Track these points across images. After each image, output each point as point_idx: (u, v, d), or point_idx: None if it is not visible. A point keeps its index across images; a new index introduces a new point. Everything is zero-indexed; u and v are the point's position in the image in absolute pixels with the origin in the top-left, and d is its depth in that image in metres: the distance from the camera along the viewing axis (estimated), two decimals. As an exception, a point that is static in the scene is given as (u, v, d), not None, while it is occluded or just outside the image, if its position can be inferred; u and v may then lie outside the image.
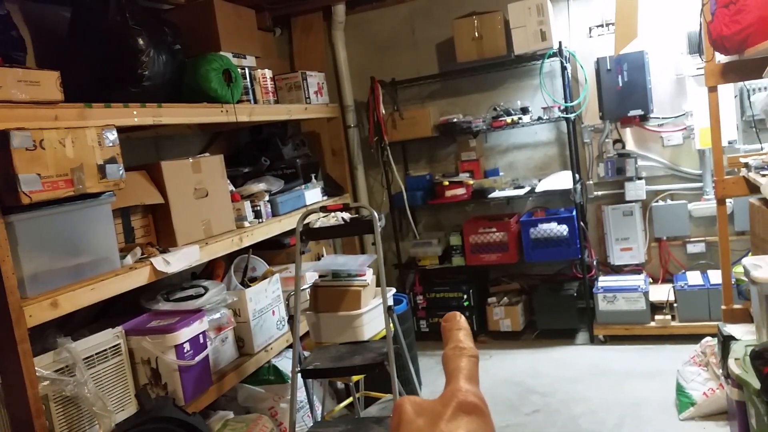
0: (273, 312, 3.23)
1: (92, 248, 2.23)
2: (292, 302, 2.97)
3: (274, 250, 3.77)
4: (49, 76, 2.10)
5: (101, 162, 2.18)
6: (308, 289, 2.78)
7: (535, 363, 3.96)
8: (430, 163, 4.83)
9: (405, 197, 4.44)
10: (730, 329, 2.68)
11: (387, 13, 4.80)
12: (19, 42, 2.25)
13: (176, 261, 2.55)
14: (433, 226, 4.86)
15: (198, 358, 2.58)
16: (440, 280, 4.51)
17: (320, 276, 2.99)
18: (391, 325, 2.54)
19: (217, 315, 2.83)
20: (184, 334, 2.52)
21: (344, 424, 2.51)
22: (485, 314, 4.40)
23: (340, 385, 3.65)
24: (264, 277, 3.24)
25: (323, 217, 2.73)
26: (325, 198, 4.05)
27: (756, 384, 2.13)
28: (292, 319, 2.64)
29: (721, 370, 2.86)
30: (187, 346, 2.53)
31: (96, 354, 2.30)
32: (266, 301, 3.17)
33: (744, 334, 2.59)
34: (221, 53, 3.21)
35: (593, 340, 4.11)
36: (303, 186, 3.86)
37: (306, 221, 2.66)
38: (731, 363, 2.41)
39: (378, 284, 3.06)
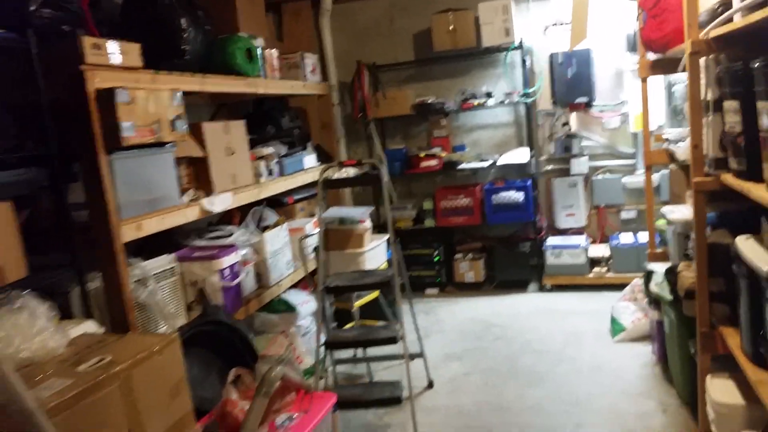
0: (284, 254, 3.83)
1: (161, 187, 2.78)
2: (305, 244, 3.60)
3: (274, 207, 4.34)
4: (134, 47, 2.65)
5: (172, 118, 2.74)
6: (320, 232, 3.38)
7: (494, 307, 4.70)
8: (405, 138, 5.49)
9: (386, 167, 5.07)
10: (652, 266, 3.44)
11: (369, 4, 5.41)
12: (105, 20, 2.76)
13: (218, 203, 3.12)
14: (406, 194, 5.52)
15: (235, 282, 3.17)
16: (414, 239, 5.19)
17: (326, 223, 3.61)
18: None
19: (244, 251, 3.42)
20: (226, 261, 3.11)
21: (357, 330, 3.15)
22: (452, 268, 5.12)
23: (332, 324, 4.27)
24: (276, 224, 3.83)
25: (338, 171, 3.35)
26: (319, 164, 4.64)
27: (668, 296, 2.90)
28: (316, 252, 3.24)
29: (646, 300, 3.64)
30: (227, 271, 3.12)
31: (159, 272, 2.86)
32: (279, 244, 3.76)
33: (662, 269, 3.36)
34: (243, 34, 3.76)
35: (542, 288, 4.89)
36: (301, 152, 4.45)
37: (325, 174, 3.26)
38: (652, 286, 3.18)
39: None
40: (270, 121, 4.48)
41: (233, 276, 3.17)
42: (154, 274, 2.80)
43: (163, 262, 2.92)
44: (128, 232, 2.55)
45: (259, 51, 4.00)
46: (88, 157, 2.42)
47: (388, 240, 3.90)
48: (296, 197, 4.51)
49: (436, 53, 5.00)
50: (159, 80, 2.81)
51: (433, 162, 5.04)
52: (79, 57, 2.36)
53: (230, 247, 3.22)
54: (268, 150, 3.99)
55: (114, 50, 2.51)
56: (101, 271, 2.52)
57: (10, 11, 2.30)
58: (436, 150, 5.11)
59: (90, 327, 2.36)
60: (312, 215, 4.56)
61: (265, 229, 3.80)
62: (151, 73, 2.77)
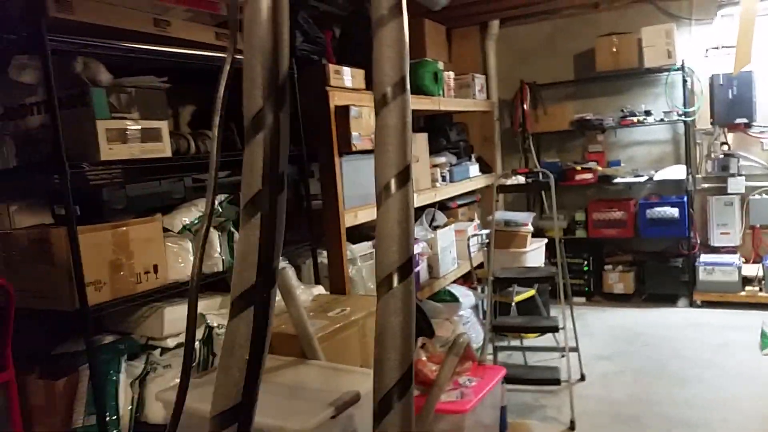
0: (450, 252, 4.38)
1: (371, 185, 3.41)
2: (470, 242, 4.11)
3: (441, 210, 4.91)
4: (360, 72, 3.31)
5: (384, 129, 3.37)
6: (491, 230, 3.88)
7: (642, 317, 4.94)
8: (559, 152, 5.86)
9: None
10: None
11: (533, 28, 5.84)
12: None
13: (408, 201, 3.72)
14: (558, 205, 5.79)
15: (416, 269, 3.76)
16: (564, 249, 5.52)
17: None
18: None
19: (422, 245, 4.00)
20: (412, 251, 3.69)
21: (521, 318, 3.62)
22: (601, 279, 5.41)
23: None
24: (446, 225, 4.39)
25: (510, 178, 3.84)
26: (480, 173, 5.16)
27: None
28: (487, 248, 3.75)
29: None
30: (413, 259, 3.70)
31: (363, 255, 3.50)
32: (447, 242, 4.31)
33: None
34: (429, 59, 4.37)
35: (692, 304, 5.05)
36: (467, 162, 4.99)
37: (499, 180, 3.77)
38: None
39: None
40: (440, 134, 5.06)
41: (416, 263, 3.76)
42: (360, 256, 3.45)
43: (365, 247, 3.56)
44: (348, 219, 3.20)
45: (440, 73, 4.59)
46: (327, 158, 3.10)
47: (545, 244, 4.34)
48: (459, 203, 5.06)
49: (597, 73, 5.33)
50: (373, 99, 3.45)
51: (588, 175, 5.37)
52: (325, 80, 3.05)
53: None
54: (441, 159, 4.57)
55: (348, 75, 3.19)
56: (327, 249, 3.20)
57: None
58: (592, 164, 5.43)
59: (320, 290, 3.04)
60: (471, 220, 5.08)
61: (436, 228, 4.37)
62: (370, 93, 3.42)
